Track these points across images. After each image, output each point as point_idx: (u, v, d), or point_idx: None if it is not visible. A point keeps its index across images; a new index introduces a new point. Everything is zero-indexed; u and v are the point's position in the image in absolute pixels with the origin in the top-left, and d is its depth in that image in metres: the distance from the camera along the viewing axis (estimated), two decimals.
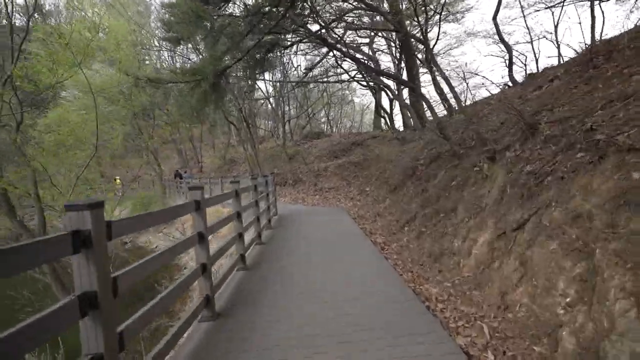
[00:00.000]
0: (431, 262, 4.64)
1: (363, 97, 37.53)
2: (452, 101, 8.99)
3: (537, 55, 16.99)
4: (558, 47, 15.26)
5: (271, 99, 28.63)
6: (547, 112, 3.95)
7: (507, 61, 11.58)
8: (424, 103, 12.92)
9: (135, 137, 18.58)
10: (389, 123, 14.08)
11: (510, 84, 9.58)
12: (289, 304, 3.54)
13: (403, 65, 16.20)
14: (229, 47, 6.05)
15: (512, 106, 4.13)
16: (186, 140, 29.42)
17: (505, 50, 11.58)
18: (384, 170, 11.71)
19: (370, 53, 22.34)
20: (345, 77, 15.59)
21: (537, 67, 18.70)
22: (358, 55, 15.63)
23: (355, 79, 15.38)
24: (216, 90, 6.28)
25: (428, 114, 16.94)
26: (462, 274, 3.84)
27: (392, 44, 19.24)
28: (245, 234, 6.51)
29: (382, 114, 14.00)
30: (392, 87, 22.53)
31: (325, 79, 15.94)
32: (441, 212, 5.32)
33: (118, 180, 20.40)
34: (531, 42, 16.86)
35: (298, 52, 19.68)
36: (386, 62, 28.34)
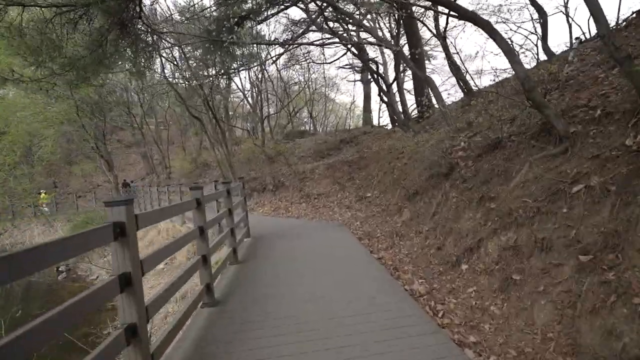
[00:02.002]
0: None
1: (349, 91, 35.00)
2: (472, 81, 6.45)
3: (546, 35, 14.86)
4: (570, 26, 13.26)
5: (249, 98, 25.74)
6: None
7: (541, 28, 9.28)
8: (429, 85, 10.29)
9: (81, 139, 15.33)
10: (392, 112, 11.47)
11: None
12: None
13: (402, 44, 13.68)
14: None
15: None
16: (152, 142, 26.00)
17: (538, 16, 9.27)
18: (391, 169, 9.08)
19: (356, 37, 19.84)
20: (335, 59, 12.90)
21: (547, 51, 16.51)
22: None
23: (350, 49, 12.72)
24: (127, 34, 3.46)
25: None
26: None
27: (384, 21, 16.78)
28: (180, 289, 3.74)
29: (385, 100, 11.37)
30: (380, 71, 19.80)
31: (319, 42, 13.25)
32: (559, 246, 2.69)
33: (44, 195, 16.95)
34: (542, 21, 14.73)
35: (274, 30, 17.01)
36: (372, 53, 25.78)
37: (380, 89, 11.18)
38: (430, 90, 7.16)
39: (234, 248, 5.10)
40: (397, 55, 10.18)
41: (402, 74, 13.47)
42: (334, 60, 15.55)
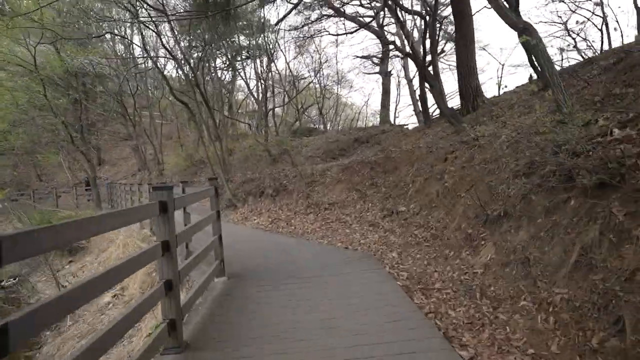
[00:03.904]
0: None
1: (362, 88, 32.41)
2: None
3: (606, 21, 12.03)
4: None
5: (253, 91, 23.37)
6: None
7: None
8: None
9: (51, 126, 12.99)
10: (440, 99, 8.80)
11: None
12: None
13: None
14: None
15: None
16: (145, 135, 23.62)
17: None
18: (437, 174, 6.43)
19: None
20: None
21: (609, 38, 13.81)
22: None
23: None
24: None
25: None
26: None
27: None
28: None
29: (427, 86, 8.73)
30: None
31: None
32: None
33: None
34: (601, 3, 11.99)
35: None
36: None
37: (423, 70, 8.49)
38: (535, 47, 4.48)
39: (170, 320, 2.52)
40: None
41: (437, 56, 10.80)
42: (354, 31, 12.95)
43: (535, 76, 8.88)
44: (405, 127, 18.96)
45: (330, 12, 15.98)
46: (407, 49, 12.93)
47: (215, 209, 4.07)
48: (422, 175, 6.97)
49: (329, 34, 14.86)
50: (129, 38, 14.66)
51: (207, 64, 18.31)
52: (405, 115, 37.41)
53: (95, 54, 15.09)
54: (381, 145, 12.42)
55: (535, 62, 7.28)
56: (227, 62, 20.65)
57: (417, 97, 20.97)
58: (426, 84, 8.50)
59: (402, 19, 9.19)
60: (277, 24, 12.87)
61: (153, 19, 9.08)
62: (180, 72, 17.79)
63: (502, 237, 3.66)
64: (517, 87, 9.46)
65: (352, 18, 16.21)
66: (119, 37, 20.05)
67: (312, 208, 8.87)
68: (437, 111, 17.25)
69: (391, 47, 14.41)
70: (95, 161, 27.17)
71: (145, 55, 11.87)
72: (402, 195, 7.22)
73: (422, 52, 8.73)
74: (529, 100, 6.94)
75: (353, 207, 8.20)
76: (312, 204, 9.02)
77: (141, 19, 9.07)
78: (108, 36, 21.34)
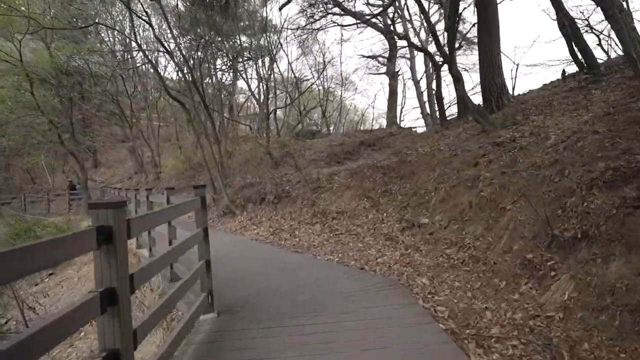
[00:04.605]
0: None
1: (366, 90, 31.51)
2: None
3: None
4: None
5: (255, 92, 22.55)
6: None
7: None
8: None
9: (39, 127, 12.15)
10: (462, 94, 7.93)
11: None
12: None
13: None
14: None
15: None
16: (143, 137, 22.76)
17: None
18: (467, 182, 5.50)
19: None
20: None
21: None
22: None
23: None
24: None
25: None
26: None
27: None
28: None
29: (456, 75, 7.81)
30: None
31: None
32: None
33: None
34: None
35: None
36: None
37: (450, 62, 7.58)
38: (618, 20, 3.57)
39: None
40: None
41: (456, 51, 9.90)
42: (362, 22, 12.10)
43: (565, 70, 8.01)
44: (413, 129, 18.12)
45: (336, 10, 15.22)
46: (419, 46, 12.04)
47: (202, 226, 3.15)
48: (446, 182, 6.05)
49: (336, 24, 13.99)
50: (123, 31, 13.84)
51: (207, 65, 17.58)
52: (410, 119, 36.39)
53: (90, 52, 14.31)
54: (392, 148, 11.53)
55: (576, 50, 6.39)
56: (229, 64, 19.92)
57: (426, 99, 20.17)
58: (451, 78, 7.60)
59: (421, 6, 8.30)
60: (281, 8, 12.07)
61: None
62: (180, 74, 17.05)
63: (583, 268, 2.74)
64: (544, 84, 8.58)
65: (360, 16, 15.42)
66: (118, 38, 19.43)
67: (319, 217, 7.94)
68: (449, 113, 16.39)
69: (403, 43, 13.54)
70: (90, 163, 26.36)
71: (137, 49, 11.06)
72: (423, 204, 6.29)
73: (446, 43, 7.85)
74: (570, 96, 6.05)
75: (365, 217, 7.28)
76: (319, 212, 8.10)
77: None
78: (106, 38, 20.71)
